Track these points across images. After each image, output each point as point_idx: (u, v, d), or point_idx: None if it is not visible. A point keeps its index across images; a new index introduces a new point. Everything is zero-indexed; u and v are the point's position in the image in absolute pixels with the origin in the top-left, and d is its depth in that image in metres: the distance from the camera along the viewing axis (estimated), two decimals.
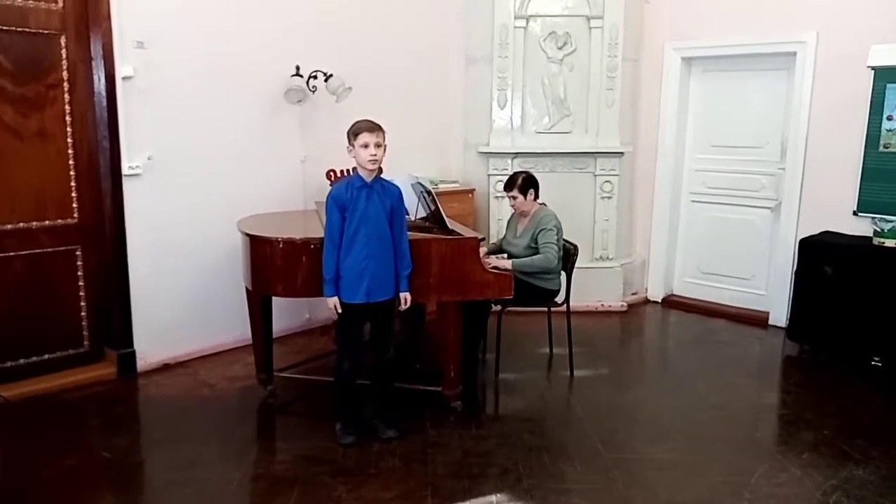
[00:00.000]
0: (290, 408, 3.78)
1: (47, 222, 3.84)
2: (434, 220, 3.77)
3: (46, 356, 3.90)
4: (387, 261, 3.20)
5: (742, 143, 5.35)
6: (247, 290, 3.79)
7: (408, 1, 5.23)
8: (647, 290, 5.89)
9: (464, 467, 3.09)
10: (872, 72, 4.49)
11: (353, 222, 3.13)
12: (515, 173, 4.25)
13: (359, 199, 3.14)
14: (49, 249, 3.86)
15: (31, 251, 3.80)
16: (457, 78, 5.61)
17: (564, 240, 4.18)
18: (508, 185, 4.17)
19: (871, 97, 4.50)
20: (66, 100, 3.83)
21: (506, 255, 4.08)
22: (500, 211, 5.48)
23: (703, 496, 2.90)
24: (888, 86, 4.44)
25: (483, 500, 2.85)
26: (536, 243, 4.01)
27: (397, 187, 3.31)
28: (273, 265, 3.47)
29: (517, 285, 3.61)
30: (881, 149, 4.51)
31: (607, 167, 5.46)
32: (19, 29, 3.63)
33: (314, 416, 3.59)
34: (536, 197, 4.17)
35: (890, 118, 4.46)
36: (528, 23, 5.34)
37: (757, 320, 5.23)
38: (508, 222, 4.42)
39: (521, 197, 4.11)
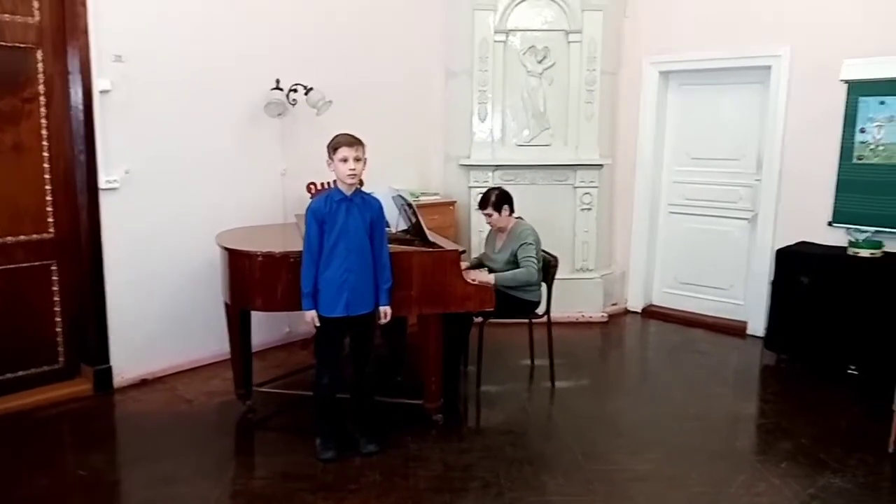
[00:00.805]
0: (269, 423, 3.74)
1: (22, 237, 3.79)
2: (415, 232, 3.77)
3: (21, 373, 3.84)
4: (366, 274, 3.20)
5: (719, 155, 5.42)
6: (225, 304, 3.75)
7: (388, 15, 5.26)
8: (626, 300, 5.93)
9: (445, 481, 3.08)
10: (846, 85, 4.57)
11: (332, 235, 3.12)
12: (488, 191, 4.26)
13: (338, 212, 3.14)
14: (24, 264, 3.80)
15: (6, 266, 3.74)
16: (437, 91, 5.63)
17: (544, 251, 4.20)
18: (483, 204, 4.19)
19: (845, 110, 4.58)
20: (43, 114, 3.79)
21: (486, 270, 4.09)
22: (480, 223, 5.44)
23: None
24: (860, 99, 4.52)
25: None
26: (516, 258, 4.03)
27: (378, 200, 3.30)
28: (252, 279, 3.45)
29: (498, 298, 3.62)
30: (855, 160, 4.58)
31: (587, 179, 5.51)
32: None
33: (294, 431, 3.56)
34: (511, 212, 4.19)
35: (863, 130, 4.54)
36: (507, 37, 5.39)
37: (735, 330, 5.28)
38: (487, 238, 4.43)
39: (496, 214, 4.14)
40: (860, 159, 4.57)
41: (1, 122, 3.66)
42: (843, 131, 4.61)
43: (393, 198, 3.97)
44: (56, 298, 3.93)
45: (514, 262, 4.04)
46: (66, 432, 3.58)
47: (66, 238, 3.93)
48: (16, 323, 3.79)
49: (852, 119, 4.57)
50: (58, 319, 3.96)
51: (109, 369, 4.04)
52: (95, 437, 3.51)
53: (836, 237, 4.68)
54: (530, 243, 4.02)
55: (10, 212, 3.73)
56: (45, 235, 3.87)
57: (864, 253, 4.40)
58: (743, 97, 5.27)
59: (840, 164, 4.64)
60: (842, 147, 4.62)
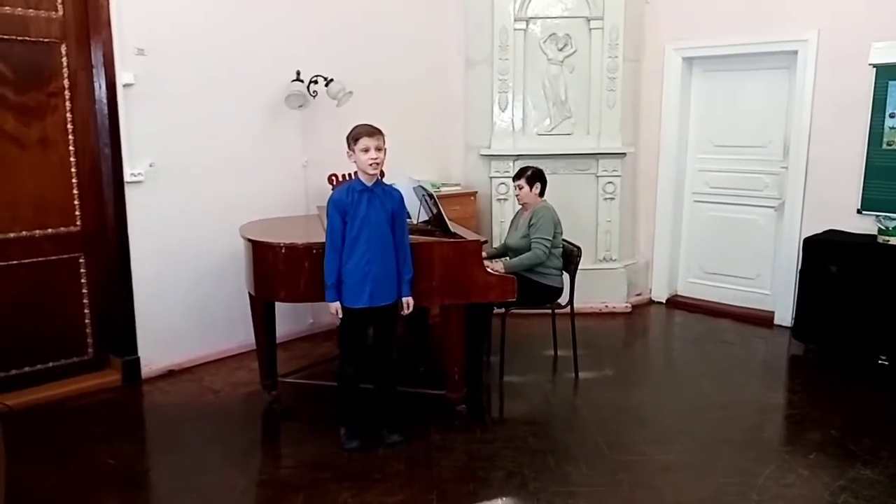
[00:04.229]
0: (294, 413, 3.76)
1: (50, 230, 3.85)
2: (436, 223, 3.77)
3: (51, 364, 3.90)
4: (389, 265, 3.20)
5: (744, 142, 5.34)
6: (250, 295, 3.78)
7: (408, 5, 5.24)
8: (650, 290, 5.87)
9: (469, 471, 3.08)
10: (874, 69, 4.47)
11: (354, 227, 3.13)
12: (526, 166, 4.32)
13: (360, 203, 3.14)
14: (52, 257, 3.86)
15: (35, 259, 3.80)
16: (457, 80, 5.61)
17: (566, 241, 4.20)
18: (517, 176, 4.27)
19: (874, 95, 4.49)
20: (68, 108, 3.84)
21: (507, 259, 4.09)
22: (502, 213, 5.47)
23: (710, 497, 2.88)
24: (890, 83, 4.42)
25: None
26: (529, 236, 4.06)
27: (398, 191, 3.30)
28: (276, 271, 3.47)
29: (518, 283, 3.60)
30: (884, 146, 4.49)
31: (609, 168, 5.46)
32: (20, 38, 3.64)
33: (318, 422, 3.58)
34: (542, 193, 4.21)
35: (893, 115, 4.44)
36: (528, 25, 5.34)
37: (762, 320, 5.21)
38: (513, 217, 4.45)
39: (526, 188, 4.18)
40: (890, 145, 4.48)
41: (27, 116, 3.71)
42: (872, 116, 4.51)
43: (414, 189, 3.96)
44: (84, 291, 3.99)
45: (527, 238, 4.08)
46: (95, 422, 3.62)
47: (92, 231, 3.97)
48: (45, 315, 3.86)
49: (881, 104, 4.47)
50: (86, 311, 4.01)
51: (137, 360, 4.09)
52: (124, 427, 3.57)
53: (865, 225, 4.59)
54: (539, 225, 4.03)
55: (37, 205, 3.78)
56: (72, 228, 3.92)
57: (894, 240, 4.31)
58: (769, 83, 5.17)
59: (869, 150, 4.55)
60: (870, 133, 4.53)
